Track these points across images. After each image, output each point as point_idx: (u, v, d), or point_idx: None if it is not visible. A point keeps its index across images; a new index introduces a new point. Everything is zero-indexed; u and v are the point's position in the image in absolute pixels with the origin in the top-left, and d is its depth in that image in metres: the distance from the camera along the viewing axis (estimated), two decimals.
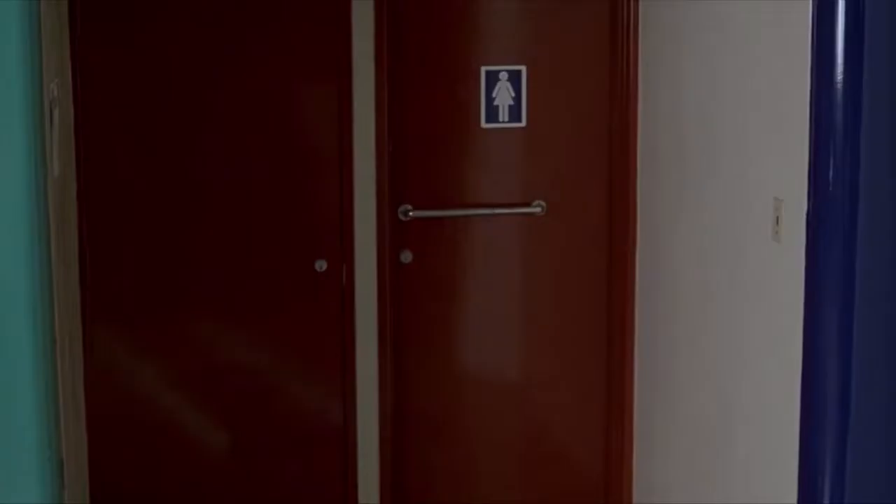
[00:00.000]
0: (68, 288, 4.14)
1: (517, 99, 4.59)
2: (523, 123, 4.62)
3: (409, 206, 4.60)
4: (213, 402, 4.58)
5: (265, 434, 4.62)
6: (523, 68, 4.60)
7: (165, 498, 4.56)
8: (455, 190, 4.67)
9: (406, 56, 4.60)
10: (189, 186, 4.47)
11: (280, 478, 4.63)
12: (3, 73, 3.16)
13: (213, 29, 4.42)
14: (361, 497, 4.69)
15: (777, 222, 3.23)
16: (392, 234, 4.57)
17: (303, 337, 4.59)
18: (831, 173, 2.87)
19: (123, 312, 4.48)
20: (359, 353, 4.61)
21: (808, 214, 2.95)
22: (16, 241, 3.23)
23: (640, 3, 4.33)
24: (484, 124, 4.60)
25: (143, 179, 4.45)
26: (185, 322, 4.53)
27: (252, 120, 4.48)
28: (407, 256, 4.61)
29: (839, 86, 2.85)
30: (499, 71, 4.60)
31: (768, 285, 3.34)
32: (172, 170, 4.45)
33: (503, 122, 4.59)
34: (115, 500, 4.51)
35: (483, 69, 4.59)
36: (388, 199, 4.56)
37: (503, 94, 4.59)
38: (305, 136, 4.51)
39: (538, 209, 4.63)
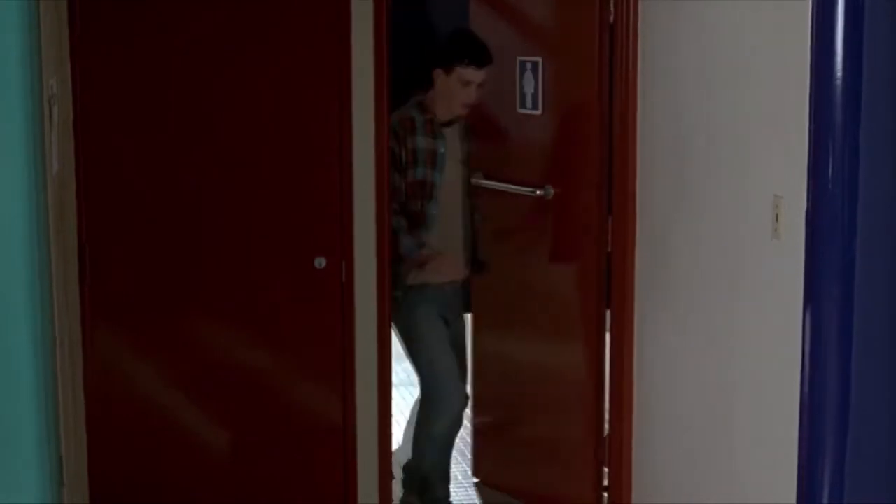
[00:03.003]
0: (68, 286, 4.14)
1: (536, 87, 4.78)
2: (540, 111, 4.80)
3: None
4: (212, 401, 4.57)
5: (265, 433, 4.61)
6: (540, 60, 4.71)
7: (165, 497, 4.55)
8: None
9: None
10: (188, 184, 4.47)
11: (280, 477, 4.62)
12: (3, 71, 3.16)
13: (212, 26, 4.42)
14: (361, 497, 4.69)
15: (777, 219, 3.23)
16: None
17: (302, 335, 4.59)
18: (830, 171, 2.87)
19: (123, 310, 4.48)
20: (358, 351, 4.61)
21: (807, 212, 2.95)
22: (15, 239, 3.23)
23: (640, 2, 4.33)
24: (519, 109, 4.87)
25: (143, 177, 4.45)
26: (184, 320, 4.52)
27: (251, 117, 4.48)
28: None
29: (838, 83, 2.85)
30: (526, 62, 4.79)
31: (768, 282, 3.34)
32: (172, 167, 4.45)
33: (529, 108, 4.85)
34: (115, 499, 4.50)
35: (518, 59, 4.82)
36: (388, 195, 4.56)
37: (528, 83, 4.82)
38: (304, 134, 4.51)
39: (543, 192, 4.69)
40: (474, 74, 4.49)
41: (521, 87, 4.83)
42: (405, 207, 4.63)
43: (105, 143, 4.38)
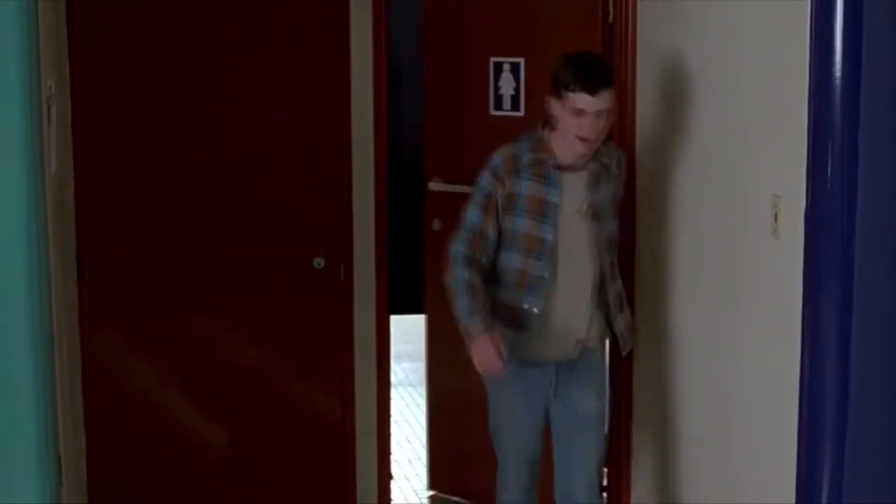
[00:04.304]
0: (66, 285, 4.14)
1: (517, 89, 4.68)
2: (522, 113, 4.70)
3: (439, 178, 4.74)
4: (210, 400, 4.57)
5: (263, 432, 4.61)
6: (522, 60, 4.64)
7: (163, 496, 4.55)
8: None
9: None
10: (186, 184, 4.47)
11: (278, 476, 4.62)
12: (1, 71, 3.16)
13: (210, 24, 4.42)
14: (360, 497, 4.69)
15: (776, 219, 3.23)
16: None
17: (301, 335, 4.59)
18: (829, 170, 2.86)
19: (121, 310, 4.48)
20: (357, 351, 4.61)
21: (806, 211, 2.95)
22: (13, 239, 3.23)
23: (640, 1, 4.33)
24: (492, 111, 4.73)
25: (141, 177, 4.44)
26: (182, 319, 4.52)
27: (250, 118, 4.47)
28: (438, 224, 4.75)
29: (837, 83, 2.84)
30: (502, 63, 4.68)
31: (767, 282, 3.33)
32: (169, 167, 4.45)
33: (507, 110, 4.70)
34: (114, 498, 4.50)
35: (492, 60, 4.70)
36: (387, 196, 4.56)
37: (506, 85, 4.69)
38: (303, 134, 4.51)
39: None
40: (587, 101, 3.65)
41: (497, 89, 4.71)
42: (491, 260, 3.83)
43: (103, 143, 4.38)
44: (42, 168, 3.39)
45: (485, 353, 3.71)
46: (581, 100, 3.66)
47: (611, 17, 4.43)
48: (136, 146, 4.42)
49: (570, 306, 3.82)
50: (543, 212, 3.75)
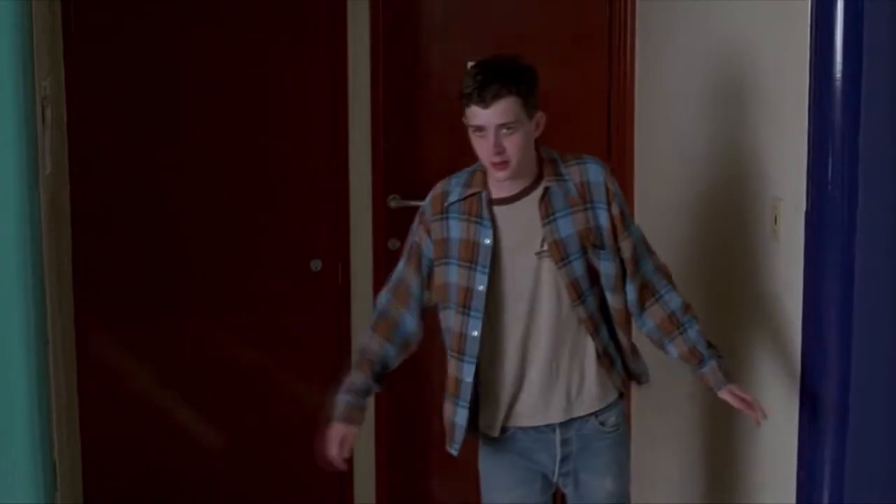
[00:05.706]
0: (61, 286, 4.12)
1: None
2: None
3: (398, 196, 4.59)
4: (207, 402, 4.57)
5: (261, 433, 4.61)
6: None
7: (159, 497, 4.55)
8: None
9: (401, 55, 4.61)
10: (184, 186, 4.46)
11: (276, 477, 4.62)
12: None
13: (206, 25, 4.41)
14: (358, 497, 4.68)
15: (776, 221, 3.22)
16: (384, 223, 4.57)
17: (299, 336, 4.59)
18: (830, 172, 2.87)
19: (117, 311, 4.47)
20: (354, 352, 4.60)
21: (806, 213, 2.94)
22: (8, 240, 3.22)
23: (638, 2, 4.33)
24: None
25: (137, 178, 4.44)
26: (179, 321, 4.51)
27: (247, 119, 4.47)
28: (395, 244, 4.61)
29: (838, 85, 2.84)
30: None
31: (767, 284, 3.33)
32: (166, 168, 4.44)
33: None
34: (109, 499, 4.50)
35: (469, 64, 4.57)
36: (384, 197, 4.55)
37: None
38: (301, 135, 4.51)
39: None
40: (481, 115, 2.97)
41: None
42: (419, 318, 3.24)
43: (99, 144, 4.38)
44: (36, 169, 3.38)
45: (327, 441, 3.25)
46: (474, 114, 2.98)
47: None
48: (131, 148, 4.41)
49: (531, 368, 3.18)
50: (473, 257, 3.08)
